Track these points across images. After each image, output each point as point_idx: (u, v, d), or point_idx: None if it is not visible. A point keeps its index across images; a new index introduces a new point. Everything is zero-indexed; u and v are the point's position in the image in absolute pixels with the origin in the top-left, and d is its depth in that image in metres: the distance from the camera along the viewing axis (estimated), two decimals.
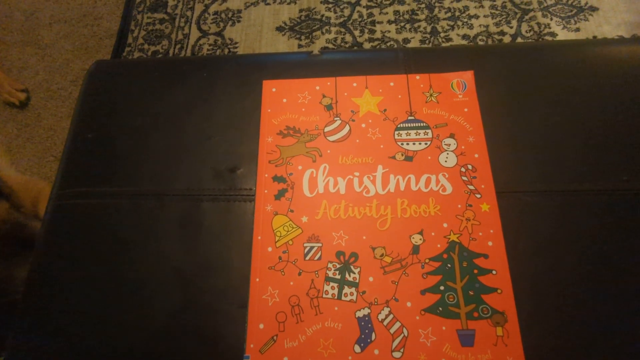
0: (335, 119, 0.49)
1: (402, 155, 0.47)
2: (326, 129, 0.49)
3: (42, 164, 1.05)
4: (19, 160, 1.04)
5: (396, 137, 0.48)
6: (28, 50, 1.16)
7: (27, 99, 1.09)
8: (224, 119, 0.49)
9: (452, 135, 0.47)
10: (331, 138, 0.48)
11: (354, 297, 0.41)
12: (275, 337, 0.40)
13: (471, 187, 0.44)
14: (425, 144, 0.47)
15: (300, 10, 1.15)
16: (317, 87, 0.51)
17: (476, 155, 0.45)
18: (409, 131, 0.48)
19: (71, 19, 1.19)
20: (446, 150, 0.46)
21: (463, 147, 0.46)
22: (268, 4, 1.17)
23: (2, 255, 0.67)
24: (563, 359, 0.36)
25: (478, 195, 0.43)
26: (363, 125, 0.48)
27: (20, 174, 0.98)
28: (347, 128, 0.49)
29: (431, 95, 0.49)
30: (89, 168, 0.47)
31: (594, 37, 1.02)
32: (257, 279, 0.42)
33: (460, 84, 0.48)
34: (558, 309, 0.38)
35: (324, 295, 0.42)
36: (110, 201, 0.44)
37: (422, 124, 0.48)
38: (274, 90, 0.51)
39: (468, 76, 0.49)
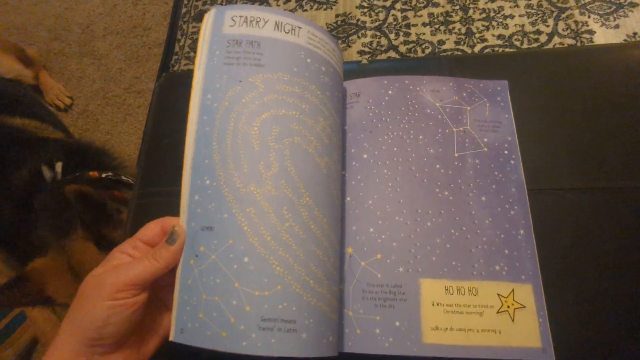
0: None
1: None
2: None
3: None
4: None
5: None
6: (85, 60, 1.25)
7: (70, 106, 1.19)
8: None
9: None
10: None
11: None
12: None
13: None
14: None
15: (337, 16, 1.19)
16: None
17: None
18: None
19: (123, 30, 1.28)
20: None
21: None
22: (305, 10, 1.22)
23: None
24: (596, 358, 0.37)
25: None
26: None
27: None
28: None
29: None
30: (166, 169, 0.53)
31: (634, 33, 1.02)
32: None
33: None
34: (594, 309, 0.38)
35: None
36: None
37: None
38: None
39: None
